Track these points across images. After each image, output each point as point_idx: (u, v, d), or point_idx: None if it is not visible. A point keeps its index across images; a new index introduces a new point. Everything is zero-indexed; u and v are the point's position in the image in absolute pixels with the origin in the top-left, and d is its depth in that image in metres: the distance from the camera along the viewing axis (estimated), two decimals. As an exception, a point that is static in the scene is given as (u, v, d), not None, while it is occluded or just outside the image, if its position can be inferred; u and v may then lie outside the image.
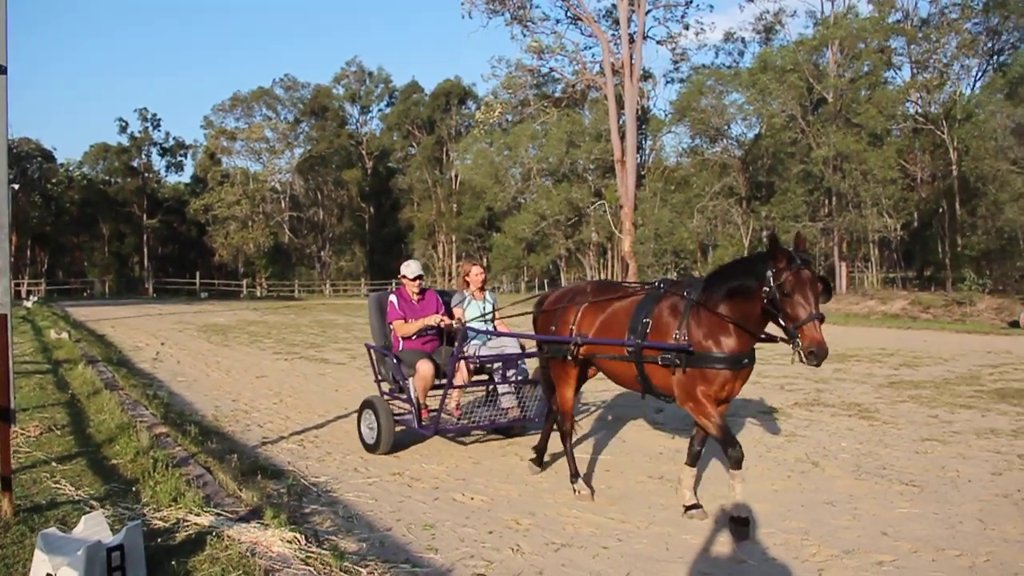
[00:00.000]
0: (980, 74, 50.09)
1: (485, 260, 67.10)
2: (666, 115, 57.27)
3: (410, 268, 9.08)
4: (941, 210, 47.04)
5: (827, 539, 5.97)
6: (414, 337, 8.88)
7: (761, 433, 9.68)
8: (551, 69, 57.06)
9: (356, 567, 5.02)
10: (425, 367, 8.45)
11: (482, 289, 9.53)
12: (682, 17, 58.75)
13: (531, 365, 9.26)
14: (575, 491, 7.11)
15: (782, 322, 5.74)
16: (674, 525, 6.31)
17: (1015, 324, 29.85)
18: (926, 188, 48.68)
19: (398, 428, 8.80)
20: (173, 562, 4.86)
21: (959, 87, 48.26)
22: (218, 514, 5.79)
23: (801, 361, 5.64)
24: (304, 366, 16.62)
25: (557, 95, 58.14)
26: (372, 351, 9.39)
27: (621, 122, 51.45)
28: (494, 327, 9.26)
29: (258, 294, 65.53)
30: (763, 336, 6.22)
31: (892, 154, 42.84)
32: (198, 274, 65.61)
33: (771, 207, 45.58)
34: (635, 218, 50.06)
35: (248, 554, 5.00)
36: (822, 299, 5.76)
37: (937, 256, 47.45)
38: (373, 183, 77.53)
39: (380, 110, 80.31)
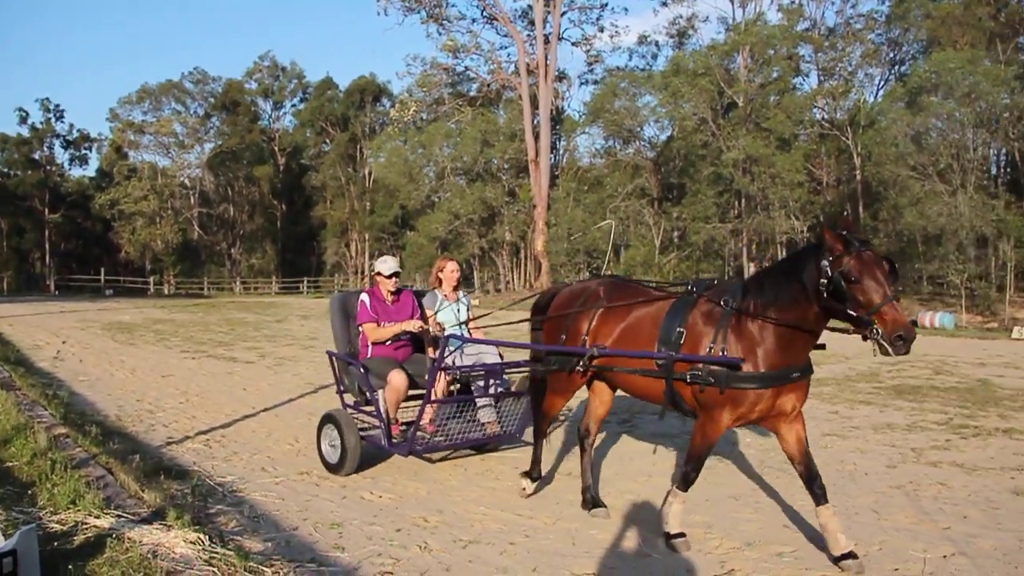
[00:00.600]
0: (882, 83, 51.75)
1: (399, 258, 66.71)
2: (580, 116, 57.70)
3: (386, 264, 8.07)
4: (845, 213, 48.18)
5: (730, 532, 6.11)
6: (388, 343, 7.91)
7: (667, 429, 9.74)
8: (466, 68, 57.25)
9: (261, 567, 4.96)
10: (397, 378, 7.50)
11: (456, 289, 8.58)
12: (597, 19, 59.54)
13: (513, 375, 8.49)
14: (522, 488, 7.00)
15: (852, 312, 5.03)
16: (581, 521, 6.39)
17: (914, 323, 30.56)
18: (831, 192, 49.88)
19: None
20: (70, 566, 4.70)
21: (863, 95, 49.69)
22: (119, 516, 5.64)
23: (884, 352, 4.97)
24: (212, 365, 16.33)
25: (472, 94, 58.26)
26: (335, 359, 8.33)
27: (535, 122, 51.76)
28: (469, 333, 8.37)
29: (166, 292, 63.89)
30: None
31: (799, 158, 43.81)
32: (103, 271, 63.64)
33: (682, 208, 46.23)
34: (548, 218, 50.33)
35: (150, 556, 4.88)
36: (891, 280, 5.14)
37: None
38: (285, 180, 76.39)
39: (294, 106, 79.14)
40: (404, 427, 7.85)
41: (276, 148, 76.87)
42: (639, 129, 51.40)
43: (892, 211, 39.76)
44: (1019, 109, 38.75)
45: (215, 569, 4.75)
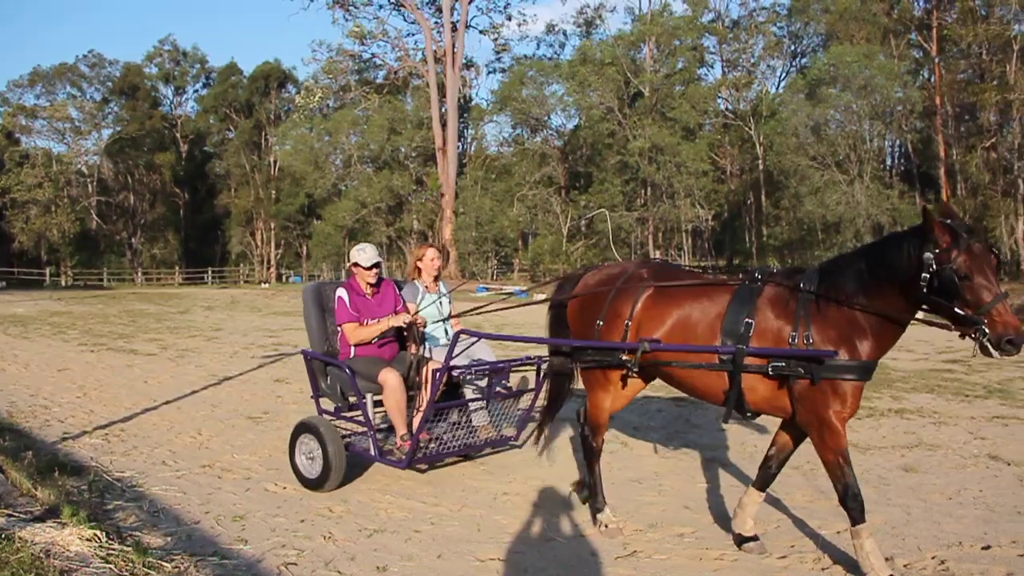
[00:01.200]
0: (784, 75, 53.05)
1: (304, 248, 65.92)
2: (488, 104, 57.72)
3: (364, 254, 7.07)
4: (748, 202, 49.31)
5: (633, 514, 6.14)
6: (375, 342, 7.04)
7: (570, 414, 9.76)
8: (373, 55, 56.73)
9: (160, 562, 4.85)
10: (392, 378, 6.60)
11: (436, 280, 7.74)
12: (505, 8, 59.79)
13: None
14: (601, 524, 5.83)
15: (958, 311, 4.55)
16: (486, 507, 6.36)
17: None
18: (735, 181, 50.93)
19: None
20: (-44, 568, 4.53)
21: (765, 86, 50.83)
22: (9, 515, 5.45)
23: (987, 354, 4.52)
24: (111, 358, 15.82)
25: (379, 81, 57.73)
26: (311, 360, 7.30)
27: (443, 110, 51.53)
28: (452, 327, 7.55)
29: (63, 283, 61.91)
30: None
31: (704, 147, 44.63)
32: (-6, 262, 61.54)
33: (589, 196, 46.59)
34: (456, 206, 50.20)
35: (42, 555, 4.72)
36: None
37: (745, 245, 49.73)
38: (188, 167, 74.65)
39: (196, 92, 77.29)
40: (405, 434, 6.69)
41: (178, 135, 75.05)
42: (547, 118, 51.65)
43: (793, 199, 40.78)
44: (912, 102, 40.06)
45: (112, 566, 4.62)
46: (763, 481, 5.51)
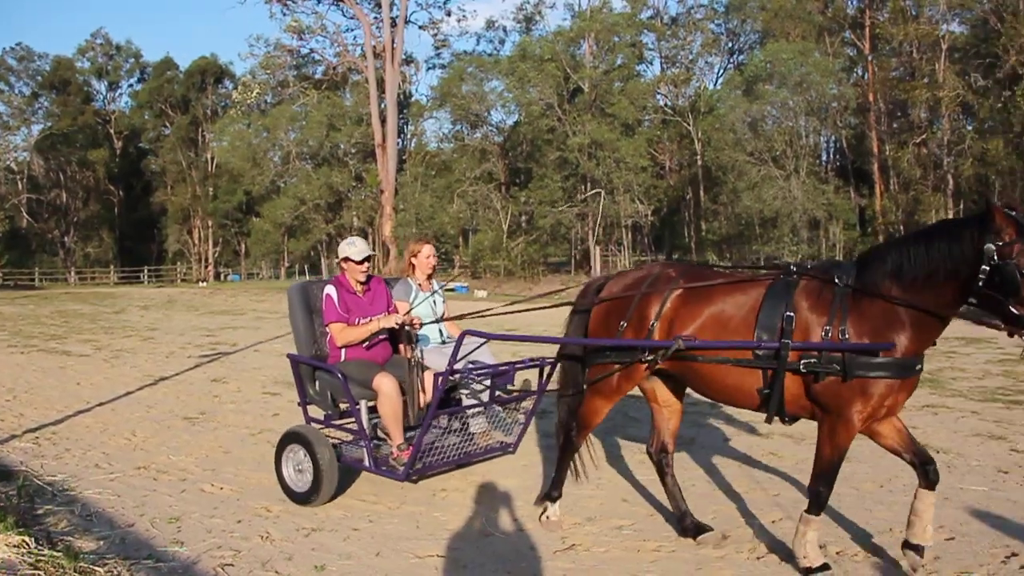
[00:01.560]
0: (722, 71, 53.64)
1: (243, 246, 65.12)
2: (427, 100, 57.43)
3: (355, 247, 6.55)
4: (687, 197, 49.75)
5: (572, 508, 6.15)
6: (365, 344, 6.55)
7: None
8: (312, 50, 56.23)
9: (93, 567, 4.76)
10: (388, 384, 6.14)
11: (430, 278, 7.29)
12: (444, 3, 59.46)
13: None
14: (544, 515, 5.80)
15: (1013, 310, 4.29)
16: (425, 504, 6.37)
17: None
18: (674, 176, 51.38)
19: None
20: None
21: (703, 83, 51.31)
22: None
23: None
24: (43, 359, 15.52)
25: (318, 77, 57.23)
26: (298, 364, 6.77)
27: (382, 106, 51.25)
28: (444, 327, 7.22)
29: (-8, 283, 60.54)
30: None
31: (643, 143, 44.90)
32: (-82, 261, 59.83)
33: (529, 192, 46.61)
34: (396, 203, 49.95)
35: None
36: None
37: (684, 240, 50.19)
38: (123, 164, 73.24)
39: (130, 87, 75.80)
40: (403, 445, 6.26)
41: (112, 131, 73.59)
42: (486, 114, 51.55)
43: (731, 195, 41.25)
44: (846, 99, 40.74)
45: (41, 572, 4.53)
46: (929, 483, 4.85)
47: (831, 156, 50.08)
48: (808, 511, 4.86)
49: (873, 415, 4.74)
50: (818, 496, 4.84)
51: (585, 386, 5.70)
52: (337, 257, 6.59)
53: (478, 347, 6.18)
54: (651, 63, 53.67)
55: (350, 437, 6.80)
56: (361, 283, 6.60)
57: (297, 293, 6.84)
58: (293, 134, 55.33)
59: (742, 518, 5.91)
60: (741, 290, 5.16)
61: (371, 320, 6.46)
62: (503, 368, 6.50)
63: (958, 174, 38.19)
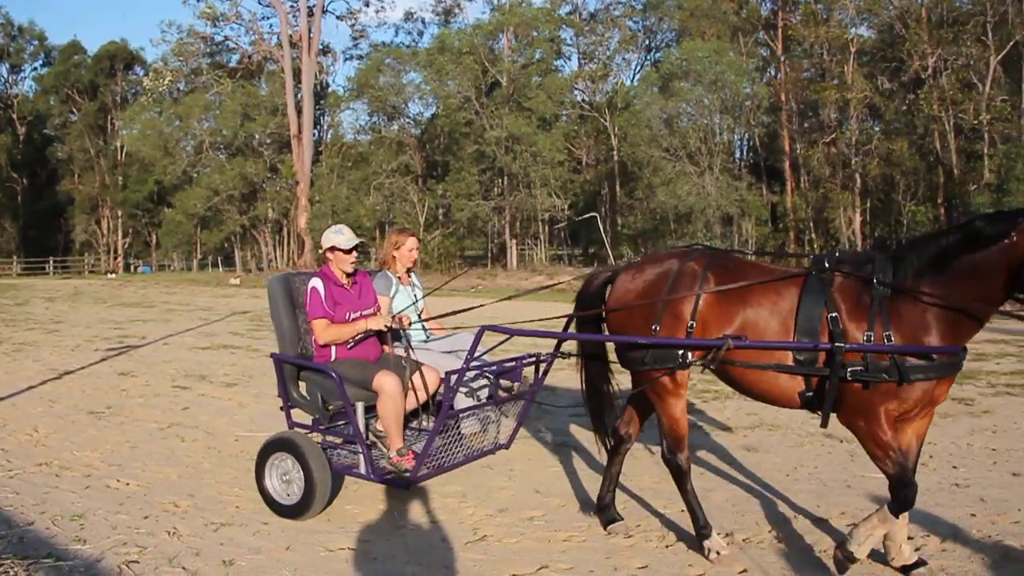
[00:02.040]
0: (638, 68, 54.21)
1: (154, 237, 63.72)
2: (344, 91, 56.90)
3: (343, 235, 6.09)
4: (603, 192, 50.14)
5: (484, 500, 6.19)
6: (351, 345, 6.05)
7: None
8: (226, 38, 55.34)
9: None
10: (391, 383, 5.70)
11: (409, 271, 6.81)
12: (363, -7, 58.75)
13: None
14: (711, 552, 5.03)
15: None
16: (337, 498, 6.28)
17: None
18: (590, 171, 51.76)
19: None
20: None
21: (620, 79, 51.81)
22: None
23: None
24: (-64, 352, 14.95)
25: (232, 65, 56.29)
26: (281, 364, 6.20)
27: (298, 96, 50.71)
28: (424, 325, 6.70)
29: None
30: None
31: (560, 138, 45.15)
32: None
33: (446, 185, 46.54)
34: (312, 194, 49.43)
35: None
36: None
37: (600, 235, 50.49)
38: (26, 151, 70.93)
39: (35, 70, 73.51)
40: (402, 449, 5.82)
41: (15, 116, 71.12)
42: (404, 106, 51.35)
43: (646, 190, 41.68)
44: (759, 98, 41.55)
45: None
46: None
47: (744, 153, 51.04)
48: (891, 510, 4.52)
49: (905, 415, 4.55)
50: (902, 498, 4.46)
51: (650, 396, 5.27)
52: (322, 248, 6.14)
53: (498, 344, 5.82)
54: (569, 58, 54.10)
55: (338, 441, 6.35)
56: (348, 275, 6.14)
57: (279, 286, 6.28)
58: (207, 123, 54.30)
59: (652, 507, 5.98)
60: (776, 289, 4.83)
61: (359, 318, 6.03)
62: (509, 364, 6.19)
63: (865, 173, 39.24)
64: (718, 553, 4.97)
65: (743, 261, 5.30)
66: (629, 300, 5.19)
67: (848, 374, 4.42)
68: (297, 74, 50.97)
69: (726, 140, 44.41)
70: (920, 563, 4.70)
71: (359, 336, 6.00)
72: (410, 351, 6.10)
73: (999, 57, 36.00)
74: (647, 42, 54.57)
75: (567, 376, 8.99)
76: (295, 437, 5.95)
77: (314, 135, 53.32)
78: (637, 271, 5.31)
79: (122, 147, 65.32)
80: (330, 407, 6.02)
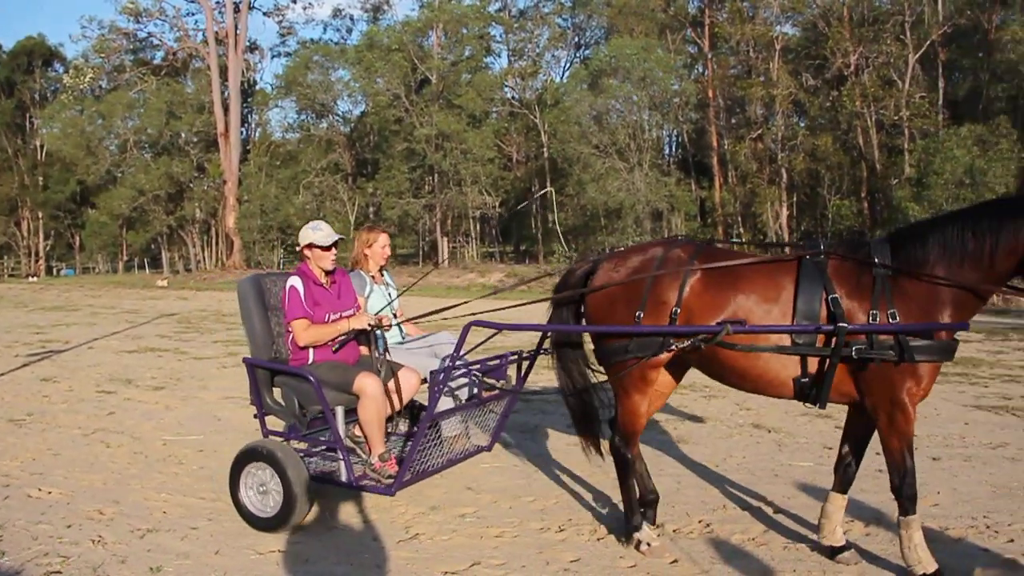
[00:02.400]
0: (568, 65, 54.47)
1: (77, 239, 62.32)
2: (272, 89, 56.33)
3: (320, 231, 5.76)
4: (534, 189, 50.25)
5: (415, 498, 6.13)
6: (336, 348, 5.75)
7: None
8: (150, 34, 54.36)
9: None
10: (373, 386, 5.48)
11: (382, 270, 6.60)
12: (290, -11, 58.18)
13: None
14: (642, 544, 5.05)
15: None
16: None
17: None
18: (521, 168, 51.84)
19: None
20: None
21: (550, 76, 52.02)
22: None
23: None
24: None
25: (157, 62, 55.28)
26: (254, 368, 5.87)
27: (225, 94, 50.06)
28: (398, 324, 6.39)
29: None
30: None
31: (490, 135, 45.23)
32: None
33: (376, 183, 46.32)
34: (240, 194, 48.85)
35: None
36: None
37: (531, 231, 50.77)
38: (-60, 151, 68.89)
39: (-53, 67, 71.42)
40: (385, 453, 5.66)
41: (-72, 115, 68.95)
42: (333, 104, 50.97)
43: (577, 186, 41.90)
44: (687, 95, 42.03)
45: None
46: (844, 483, 4.94)
47: (673, 149, 51.62)
48: (904, 513, 4.52)
49: (923, 398, 4.54)
50: (905, 491, 4.50)
51: (614, 387, 5.18)
52: (300, 245, 5.85)
53: (464, 340, 5.34)
54: (499, 55, 54.12)
55: (314, 448, 6.05)
56: (327, 273, 5.84)
57: (250, 287, 5.94)
58: (131, 122, 53.26)
59: (584, 501, 6.02)
60: (768, 274, 4.76)
61: (339, 319, 5.75)
62: (494, 362, 5.95)
63: (791, 168, 39.96)
64: (648, 545, 4.98)
65: (730, 250, 5.23)
66: (612, 289, 5.04)
67: (853, 352, 4.40)
68: (223, 71, 50.27)
69: (655, 136, 44.84)
70: (847, 547, 4.83)
71: (342, 337, 5.72)
72: (387, 353, 5.88)
73: (917, 55, 36.95)
74: (576, 39, 54.94)
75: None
76: (271, 446, 5.60)
77: (242, 133, 52.72)
78: (620, 259, 5.18)
79: (42, 146, 63.67)
80: (306, 414, 5.75)
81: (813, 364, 4.58)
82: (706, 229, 43.09)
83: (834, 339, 4.44)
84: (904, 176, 35.29)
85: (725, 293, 4.73)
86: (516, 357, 6.03)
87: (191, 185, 52.76)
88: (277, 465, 5.41)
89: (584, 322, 5.37)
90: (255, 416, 6.06)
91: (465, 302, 6.04)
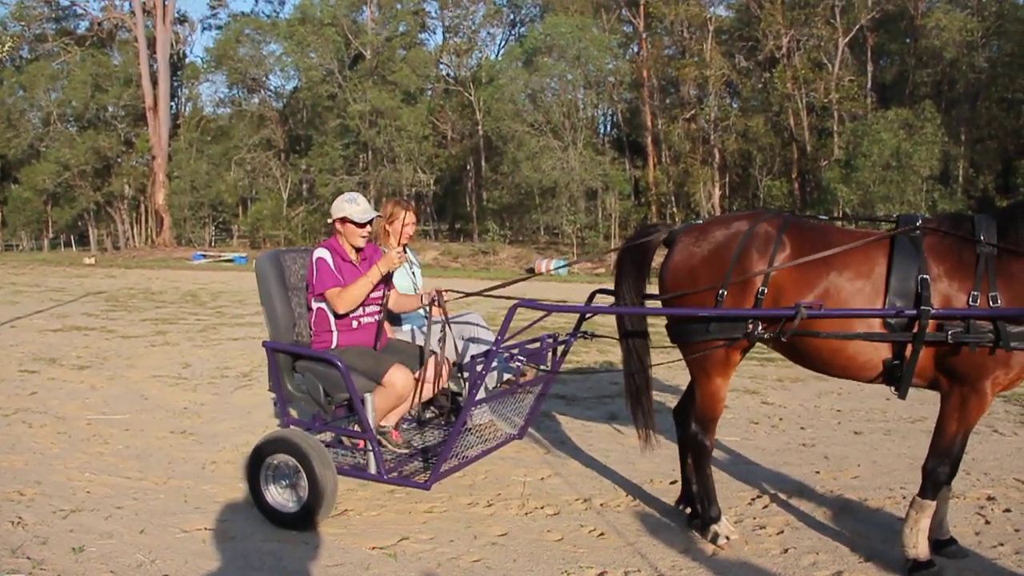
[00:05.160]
0: (503, 43, 54.34)
1: (0, 216, 60.66)
2: (203, 62, 55.33)
3: (357, 205, 5.34)
4: (469, 167, 50.20)
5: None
6: (355, 325, 5.40)
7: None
8: (73, 2, 52.89)
9: None
10: (403, 378, 5.18)
11: (405, 247, 6.00)
12: (220, -40, 57.09)
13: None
14: (720, 538, 4.75)
15: None
16: (194, 478, 6.13)
17: (531, 271, 32.58)
18: (456, 145, 51.67)
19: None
20: None
21: (485, 53, 51.90)
22: None
23: None
24: None
25: (81, 32, 53.83)
26: (275, 353, 5.51)
27: (153, 67, 49.09)
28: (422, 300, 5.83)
29: None
30: None
31: (424, 112, 45.05)
32: None
33: (309, 160, 45.88)
34: (169, 170, 48.01)
35: None
36: None
37: (466, 209, 50.74)
38: None
39: None
40: (402, 445, 5.49)
41: None
42: (265, 78, 50.29)
43: (511, 165, 41.94)
44: (622, 74, 42.23)
45: None
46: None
47: (607, 129, 51.94)
48: (923, 495, 4.30)
49: (1009, 387, 4.26)
50: (936, 476, 4.28)
51: (691, 369, 4.86)
52: (332, 217, 5.42)
53: (509, 321, 4.90)
54: (434, 32, 53.85)
55: (329, 438, 5.80)
56: (358, 250, 5.44)
57: (269, 265, 5.56)
58: (54, 94, 51.83)
59: (512, 476, 6.04)
60: (862, 251, 4.40)
61: (367, 274, 5.30)
62: (534, 345, 5.55)
63: (724, 148, 40.47)
64: (727, 538, 4.71)
65: (820, 224, 4.81)
66: (694, 263, 4.66)
67: (949, 336, 4.07)
68: (152, 43, 49.21)
69: (589, 115, 45.02)
70: (952, 541, 4.57)
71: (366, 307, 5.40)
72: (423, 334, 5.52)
73: (847, 39, 37.65)
74: (512, 17, 54.80)
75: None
76: (296, 436, 5.18)
77: (171, 108, 51.63)
78: (701, 232, 4.76)
79: (-40, 119, 61.82)
80: (332, 401, 5.37)
81: (903, 347, 4.27)
82: (640, 208, 43.44)
83: (916, 323, 4.13)
84: (833, 158, 35.99)
85: (815, 271, 4.39)
86: (553, 340, 5.65)
87: (119, 160, 51.56)
88: (303, 458, 5.03)
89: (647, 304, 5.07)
90: (275, 403, 5.69)
91: (490, 288, 5.91)
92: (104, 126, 51.90)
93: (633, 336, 5.08)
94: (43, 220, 57.85)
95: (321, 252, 5.28)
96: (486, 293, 5.76)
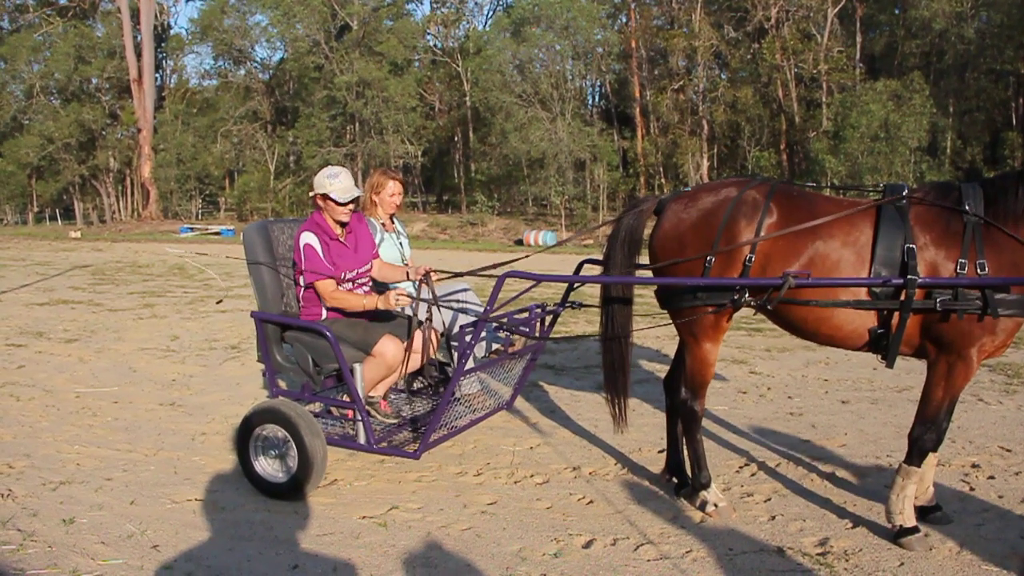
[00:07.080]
0: (491, 13, 54.05)
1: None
2: (188, 34, 54.84)
3: (338, 182, 5.25)
4: (456, 138, 50.03)
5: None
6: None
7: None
8: (54, -28, 52.17)
9: None
10: (393, 350, 5.20)
11: (392, 217, 6.26)
12: (204, -72, 56.45)
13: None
14: (709, 505, 4.80)
15: None
16: (184, 449, 6.14)
17: (519, 242, 32.65)
18: (443, 117, 51.47)
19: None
20: None
21: (472, 24, 51.59)
22: None
23: None
24: None
25: (63, 3, 53.19)
26: (263, 323, 5.48)
27: (137, 38, 48.62)
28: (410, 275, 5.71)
29: None
30: None
31: (412, 83, 44.75)
32: None
33: (296, 132, 45.65)
34: (155, 142, 47.70)
35: None
36: None
37: (453, 181, 50.61)
38: None
39: None
40: (392, 416, 5.54)
41: None
42: (251, 49, 49.93)
43: (499, 136, 41.86)
44: (610, 45, 42.05)
45: None
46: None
47: (596, 100, 51.76)
48: (909, 461, 4.36)
49: (994, 354, 4.34)
50: (922, 443, 4.34)
51: (681, 334, 4.89)
52: (313, 192, 5.33)
53: (498, 291, 4.90)
54: (421, 2, 53.67)
55: (317, 408, 5.80)
56: (342, 225, 5.37)
57: (257, 235, 5.55)
58: (36, 66, 51.28)
59: (502, 446, 6.07)
60: (848, 220, 4.44)
61: (358, 276, 5.41)
62: (522, 315, 5.50)
63: (712, 119, 40.41)
64: (716, 506, 4.74)
65: (808, 192, 4.81)
66: (682, 230, 4.68)
67: (938, 304, 4.11)
68: (136, 14, 48.70)
69: (578, 86, 44.90)
70: (937, 507, 4.63)
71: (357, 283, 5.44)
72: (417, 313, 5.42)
73: (836, 9, 37.52)
74: (499, -13, 54.47)
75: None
76: (285, 406, 5.15)
77: (156, 80, 51.21)
78: (690, 199, 4.77)
79: (-58, 92, 61.19)
80: (321, 371, 5.37)
81: (889, 315, 4.33)
82: (628, 179, 43.40)
83: (903, 292, 4.18)
84: (822, 129, 35.97)
85: (802, 239, 4.42)
86: (541, 311, 5.64)
87: (104, 133, 51.13)
88: (292, 427, 5.03)
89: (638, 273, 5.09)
90: (264, 373, 5.76)
91: (522, 257, 6.04)
92: (88, 98, 51.44)
93: (616, 302, 5.08)
94: (27, 194, 57.40)
95: (307, 237, 5.20)
96: (477, 273, 5.69)
